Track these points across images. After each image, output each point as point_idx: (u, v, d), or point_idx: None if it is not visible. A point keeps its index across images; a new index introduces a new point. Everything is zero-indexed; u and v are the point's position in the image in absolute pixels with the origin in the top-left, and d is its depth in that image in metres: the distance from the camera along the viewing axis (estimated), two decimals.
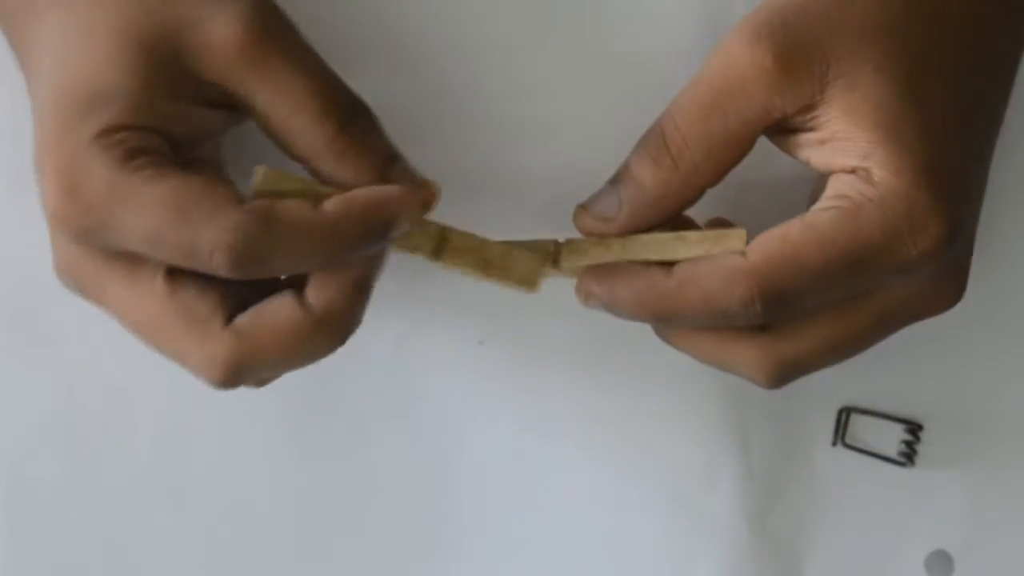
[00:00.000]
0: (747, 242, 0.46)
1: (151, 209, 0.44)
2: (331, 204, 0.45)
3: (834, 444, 0.57)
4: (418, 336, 0.55)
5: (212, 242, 0.43)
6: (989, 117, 0.48)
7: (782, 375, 0.48)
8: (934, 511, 0.57)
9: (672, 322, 0.47)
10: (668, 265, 0.46)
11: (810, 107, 0.45)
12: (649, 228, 0.47)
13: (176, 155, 0.46)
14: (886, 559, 0.57)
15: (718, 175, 0.46)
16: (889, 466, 0.57)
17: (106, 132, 0.44)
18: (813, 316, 0.47)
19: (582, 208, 0.48)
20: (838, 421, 0.56)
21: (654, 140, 0.46)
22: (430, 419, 0.55)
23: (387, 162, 0.46)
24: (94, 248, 0.46)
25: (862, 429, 0.56)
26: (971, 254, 0.49)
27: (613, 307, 0.47)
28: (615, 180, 0.47)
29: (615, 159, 0.48)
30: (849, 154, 0.45)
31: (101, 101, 0.44)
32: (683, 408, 0.55)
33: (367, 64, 0.51)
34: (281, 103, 0.45)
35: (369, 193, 0.45)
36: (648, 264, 0.47)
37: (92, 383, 0.55)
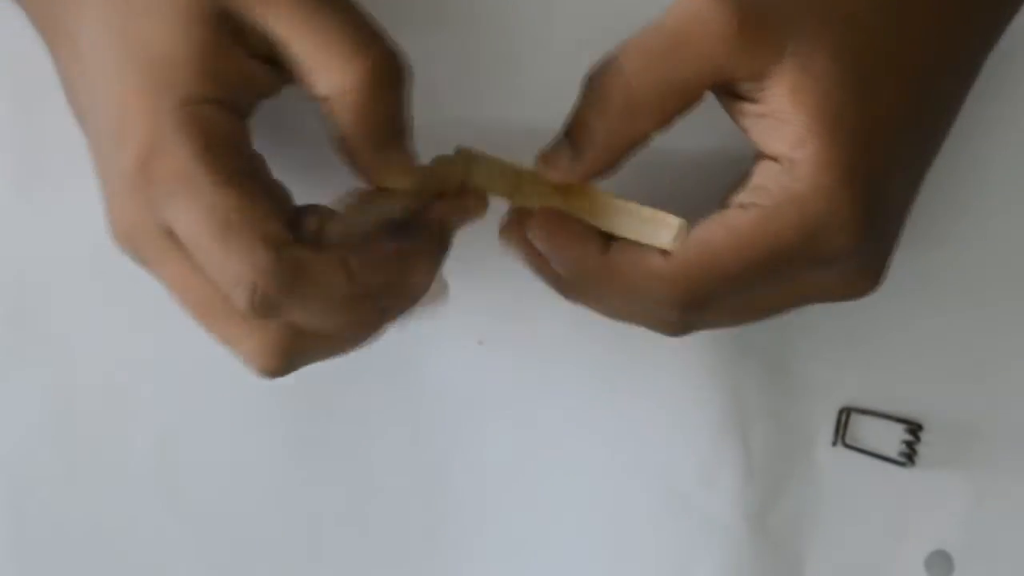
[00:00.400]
0: (678, 234, 0.46)
1: (203, 213, 0.43)
2: (355, 260, 0.45)
3: (834, 444, 0.56)
4: (418, 336, 0.55)
5: (237, 274, 0.43)
6: (939, 120, 0.48)
7: (682, 331, 0.49)
8: (934, 511, 0.57)
9: (587, 292, 0.48)
10: (605, 237, 0.47)
11: (760, 76, 0.45)
12: (598, 173, 0.47)
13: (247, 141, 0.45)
14: (886, 559, 0.57)
15: (664, 122, 0.46)
16: (889, 466, 0.56)
17: (190, 101, 0.44)
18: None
19: (540, 154, 0.47)
20: (838, 421, 0.56)
21: (599, 85, 0.46)
22: (430, 419, 0.55)
23: (391, 136, 0.46)
24: (155, 219, 0.45)
25: (862, 429, 0.56)
26: (893, 245, 0.49)
27: (542, 254, 0.47)
28: (567, 127, 0.47)
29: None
30: (783, 138, 0.45)
31: (174, 65, 0.44)
32: (683, 408, 0.55)
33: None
34: (313, 37, 0.44)
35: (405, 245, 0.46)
36: (590, 230, 0.47)
37: (92, 383, 0.55)
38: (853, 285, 0.48)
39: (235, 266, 0.43)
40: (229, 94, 0.44)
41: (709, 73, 0.45)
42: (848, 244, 0.45)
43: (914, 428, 0.56)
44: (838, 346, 0.55)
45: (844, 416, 0.56)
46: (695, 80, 0.45)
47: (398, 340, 0.54)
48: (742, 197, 0.46)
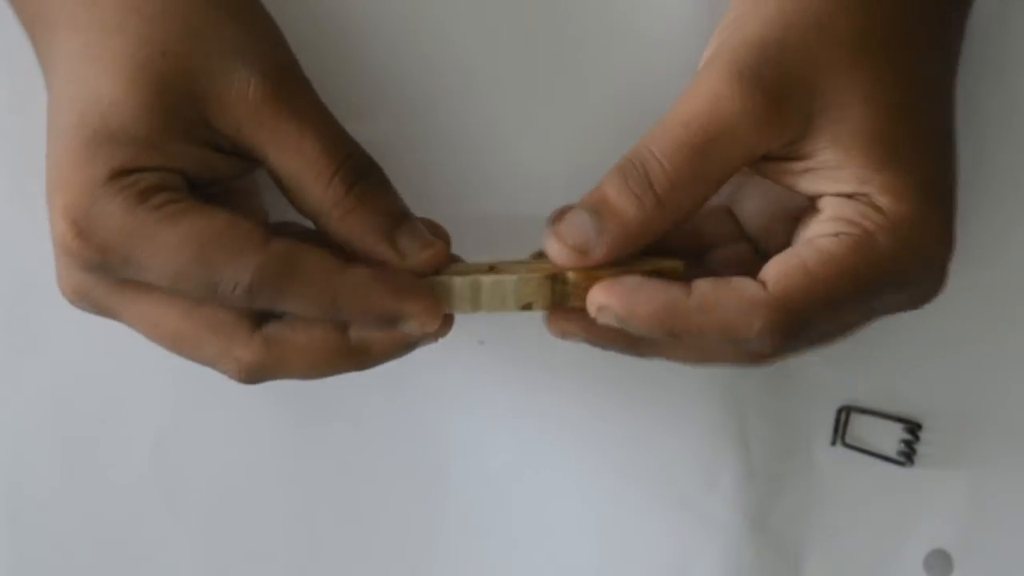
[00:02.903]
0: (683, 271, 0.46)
1: (171, 251, 0.44)
2: (358, 271, 0.45)
3: (833, 443, 0.57)
4: None
5: (233, 281, 0.44)
6: (950, 110, 0.48)
7: (772, 359, 0.48)
8: (933, 510, 0.57)
9: (682, 339, 0.46)
10: (686, 284, 0.46)
11: (795, 140, 0.45)
12: (622, 261, 0.46)
13: (195, 189, 0.46)
14: (886, 558, 0.57)
15: (696, 210, 0.46)
16: (888, 465, 0.57)
17: (120, 174, 0.44)
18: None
19: (555, 237, 0.46)
20: (838, 420, 0.56)
21: (637, 176, 0.46)
22: (430, 419, 0.55)
23: (395, 224, 0.46)
24: (106, 280, 0.46)
25: (861, 428, 0.57)
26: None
27: (628, 320, 0.45)
28: (593, 212, 0.46)
29: None
30: (843, 181, 0.45)
31: (115, 141, 0.44)
32: (683, 408, 0.55)
33: (371, 110, 0.52)
34: (290, 161, 0.45)
35: (394, 283, 0.45)
36: (666, 278, 0.46)
37: (92, 383, 0.55)
38: (931, 291, 0.48)
39: (228, 274, 0.44)
40: (172, 168, 0.45)
41: (743, 156, 0.45)
42: (938, 269, 0.46)
43: (913, 427, 0.56)
44: (838, 346, 0.55)
45: (843, 415, 0.56)
46: (731, 165, 0.45)
47: None
48: (825, 228, 0.46)
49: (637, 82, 0.52)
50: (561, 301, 0.47)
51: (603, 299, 0.46)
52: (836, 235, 0.45)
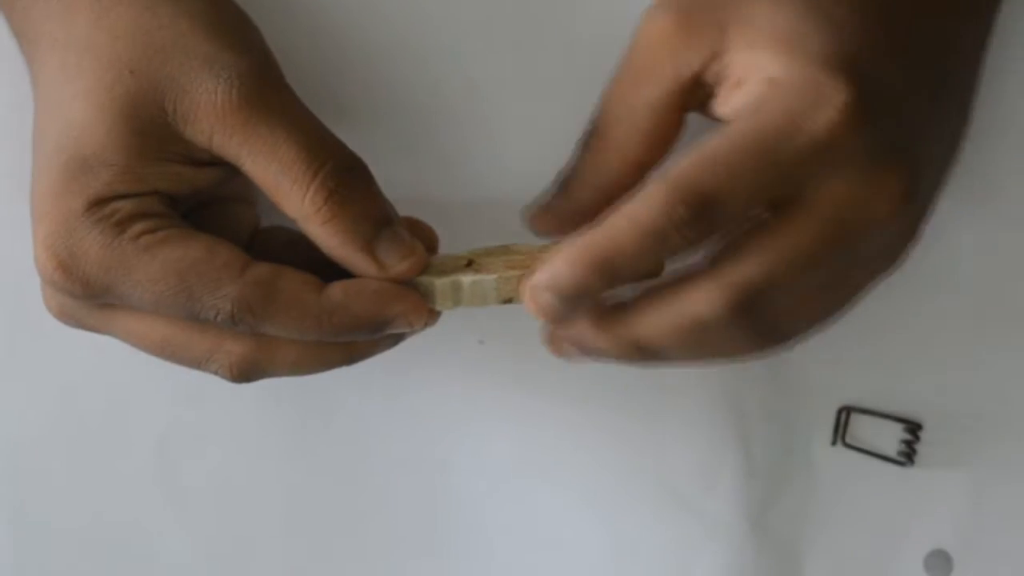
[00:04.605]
0: None
1: (149, 283, 0.44)
2: (336, 290, 0.45)
3: (834, 444, 0.57)
4: (418, 336, 0.54)
5: (213, 309, 0.44)
6: (925, 34, 0.46)
7: (739, 301, 0.44)
8: (933, 511, 0.57)
9: (615, 266, 0.44)
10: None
11: (716, 55, 0.45)
12: (593, 215, 0.46)
13: (177, 208, 0.46)
14: (886, 559, 0.57)
15: (650, 150, 0.46)
16: (888, 465, 0.57)
17: (97, 203, 0.45)
18: (750, 235, 0.44)
19: (528, 207, 0.48)
20: (838, 420, 0.56)
21: (587, 129, 0.47)
22: (430, 419, 0.55)
23: (376, 231, 0.46)
24: (89, 304, 0.47)
25: (862, 428, 0.57)
26: (914, 163, 0.45)
27: (560, 281, 0.44)
28: (559, 181, 0.47)
29: None
30: (752, 76, 0.45)
31: (88, 169, 0.45)
32: (683, 408, 0.55)
33: (360, 106, 0.52)
34: (267, 168, 0.45)
35: (374, 292, 0.46)
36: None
37: (92, 383, 0.55)
38: (880, 191, 0.44)
39: (208, 303, 0.44)
40: (150, 191, 0.45)
41: (672, 81, 0.46)
42: (834, 117, 0.43)
43: (913, 427, 0.56)
44: (838, 346, 0.55)
45: (843, 415, 0.56)
46: (665, 96, 0.46)
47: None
48: (727, 116, 0.45)
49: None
50: None
51: (529, 284, 0.45)
52: (733, 110, 0.45)
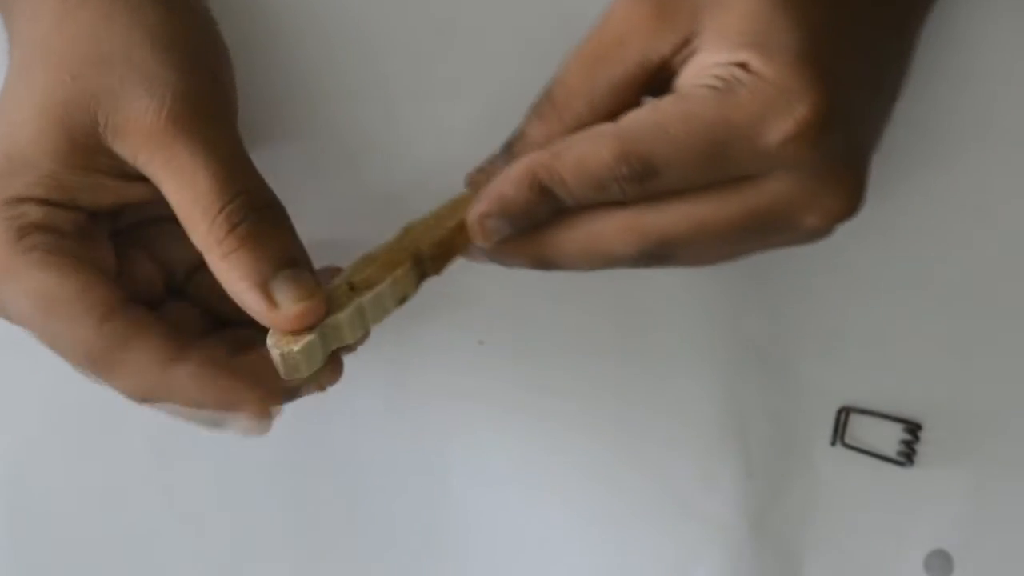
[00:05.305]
0: None
1: (24, 297, 0.45)
2: (190, 366, 0.45)
3: (833, 444, 0.57)
4: (418, 336, 0.55)
5: (70, 349, 0.45)
6: (880, 24, 0.47)
7: (649, 249, 0.45)
8: (933, 511, 0.57)
9: (554, 194, 0.45)
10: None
11: (686, 41, 0.45)
12: None
13: (104, 224, 0.46)
14: (886, 559, 0.57)
15: (599, 120, 0.46)
16: (888, 466, 0.57)
17: (12, 201, 0.45)
18: (680, 194, 0.45)
19: (470, 176, 0.48)
20: (837, 421, 0.56)
21: (541, 98, 0.46)
22: (430, 419, 0.55)
23: (277, 268, 0.45)
24: None
25: (861, 429, 0.57)
26: (864, 162, 0.46)
27: (504, 203, 0.45)
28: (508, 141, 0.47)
29: None
30: (723, 50, 0.45)
31: (13, 168, 0.45)
32: (683, 408, 0.55)
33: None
34: (182, 193, 0.44)
35: (221, 386, 0.45)
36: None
37: (91, 383, 0.54)
38: (817, 198, 0.45)
39: (65, 340, 0.45)
40: (66, 202, 0.45)
41: (639, 63, 0.45)
42: (793, 130, 0.43)
43: (913, 428, 0.56)
44: (837, 346, 0.56)
45: (843, 416, 0.56)
46: (628, 77, 0.46)
47: (397, 340, 0.54)
48: (690, 80, 0.45)
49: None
50: (430, 270, 0.47)
51: (476, 212, 0.46)
52: (701, 86, 0.44)
